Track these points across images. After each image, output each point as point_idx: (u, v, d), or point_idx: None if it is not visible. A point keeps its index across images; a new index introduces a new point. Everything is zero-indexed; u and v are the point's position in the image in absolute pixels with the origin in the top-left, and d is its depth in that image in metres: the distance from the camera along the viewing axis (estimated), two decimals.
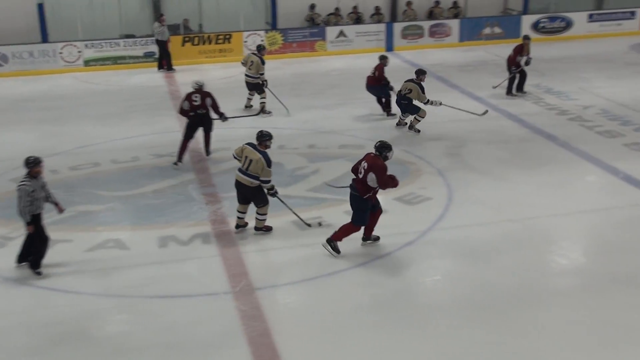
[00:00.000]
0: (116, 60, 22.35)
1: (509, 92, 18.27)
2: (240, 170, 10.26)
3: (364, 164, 9.60)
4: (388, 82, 16.62)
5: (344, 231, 9.86)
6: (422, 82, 15.17)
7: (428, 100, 15.06)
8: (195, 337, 8.14)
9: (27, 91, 19.81)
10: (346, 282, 9.32)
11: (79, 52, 22.08)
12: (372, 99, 17.19)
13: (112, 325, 8.54)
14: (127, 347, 7.98)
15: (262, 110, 16.97)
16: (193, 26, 23.66)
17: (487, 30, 25.22)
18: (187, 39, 22.69)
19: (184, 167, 13.45)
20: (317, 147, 14.25)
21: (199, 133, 13.96)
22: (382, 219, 10.28)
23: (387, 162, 9.60)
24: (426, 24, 24.78)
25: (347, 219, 11.08)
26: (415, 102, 15.17)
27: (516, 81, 18.25)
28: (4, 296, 9.12)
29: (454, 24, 25.01)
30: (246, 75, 17.11)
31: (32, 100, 18.84)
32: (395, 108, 16.27)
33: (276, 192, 10.40)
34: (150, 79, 20.98)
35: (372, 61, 17.93)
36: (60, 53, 21.91)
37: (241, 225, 10.76)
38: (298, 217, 10.77)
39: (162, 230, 10.88)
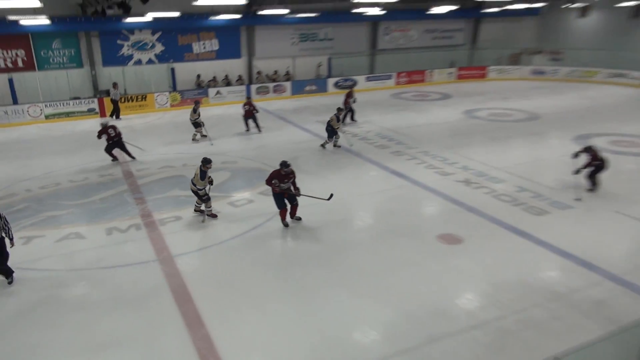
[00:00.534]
0: (68, 114, 20.64)
1: (342, 122, 18.21)
2: (191, 179, 10.21)
3: None
4: (258, 111, 17.16)
5: (280, 215, 9.86)
6: (339, 115, 15.06)
7: (338, 127, 15.00)
8: (134, 292, 7.75)
9: (3, 138, 17.91)
10: (233, 248, 9.12)
11: (41, 109, 20.20)
12: (237, 131, 17.03)
13: (76, 289, 7.90)
14: (87, 303, 7.51)
15: (193, 139, 16.36)
16: (120, 90, 22.29)
17: (307, 88, 25.54)
18: None
19: (119, 182, 12.66)
20: None
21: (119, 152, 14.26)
22: (252, 205, 10.33)
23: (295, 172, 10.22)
24: (271, 85, 24.68)
25: (230, 208, 10.92)
26: (336, 129, 15.04)
27: (348, 114, 18.39)
28: None
29: (288, 84, 25.07)
30: (189, 118, 16.57)
31: (8, 144, 17.05)
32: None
33: (208, 199, 10.18)
34: (92, 126, 19.42)
35: (238, 109, 17.86)
36: (27, 111, 20.02)
37: (197, 210, 10.54)
38: (205, 212, 10.38)
39: (107, 224, 10.21)
